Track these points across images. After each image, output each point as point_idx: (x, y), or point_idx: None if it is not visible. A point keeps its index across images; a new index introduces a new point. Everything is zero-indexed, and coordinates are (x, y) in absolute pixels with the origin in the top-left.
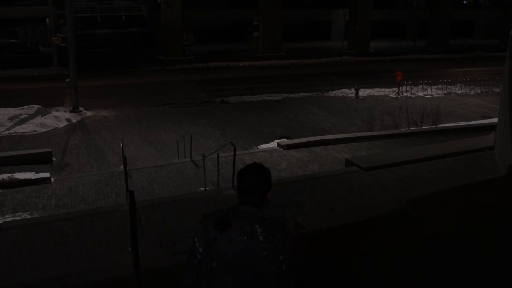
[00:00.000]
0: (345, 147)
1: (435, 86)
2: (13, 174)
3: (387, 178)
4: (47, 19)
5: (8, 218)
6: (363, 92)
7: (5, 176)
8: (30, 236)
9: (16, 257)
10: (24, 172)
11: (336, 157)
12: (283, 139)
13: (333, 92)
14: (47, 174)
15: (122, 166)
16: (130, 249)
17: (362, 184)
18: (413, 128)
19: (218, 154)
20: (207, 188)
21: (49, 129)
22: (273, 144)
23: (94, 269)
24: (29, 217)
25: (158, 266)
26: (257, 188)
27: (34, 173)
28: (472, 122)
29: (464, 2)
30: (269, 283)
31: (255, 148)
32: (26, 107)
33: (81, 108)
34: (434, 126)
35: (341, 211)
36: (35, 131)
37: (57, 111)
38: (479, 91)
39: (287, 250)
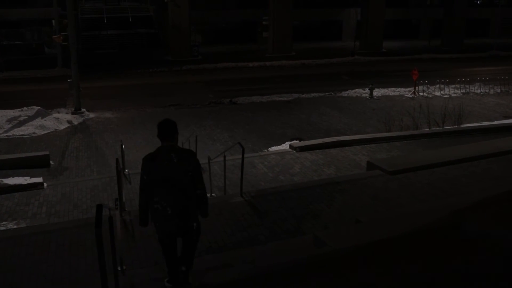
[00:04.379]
0: (362, 149)
1: (453, 86)
2: (3, 179)
3: (416, 183)
4: (53, 21)
5: None
6: (377, 92)
7: None
8: (5, 252)
9: None
10: (20, 176)
11: (353, 160)
12: (295, 141)
13: (346, 92)
14: (39, 179)
15: (124, 170)
16: (119, 268)
17: (388, 190)
18: (434, 129)
19: (224, 157)
20: (213, 195)
21: (49, 131)
22: (285, 146)
23: None
24: (15, 226)
25: None
26: (170, 132)
27: (25, 178)
28: (496, 122)
29: (477, 2)
30: (187, 187)
31: (266, 150)
32: (25, 108)
33: (83, 110)
34: (457, 126)
35: (370, 223)
36: (34, 133)
37: (58, 112)
38: (498, 90)
39: (192, 163)
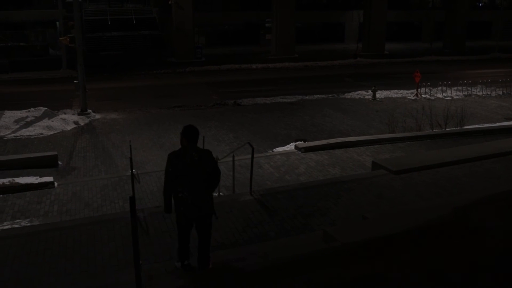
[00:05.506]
0: (366, 150)
1: (455, 88)
2: (14, 179)
3: (419, 183)
4: (57, 22)
5: (6, 225)
6: (380, 94)
7: (5, 180)
8: (24, 248)
9: (7, 272)
10: (29, 176)
11: (358, 160)
12: (300, 142)
13: (349, 94)
14: (50, 178)
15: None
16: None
17: (393, 188)
18: (437, 130)
19: (233, 157)
20: (221, 194)
21: (56, 132)
22: (290, 147)
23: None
24: (28, 224)
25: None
26: (196, 136)
27: (36, 177)
28: (497, 124)
29: (479, 4)
30: (205, 181)
31: (271, 151)
32: (33, 109)
33: (89, 111)
34: (459, 127)
35: (376, 219)
36: (41, 134)
37: (64, 113)
38: (500, 93)
39: (211, 161)
